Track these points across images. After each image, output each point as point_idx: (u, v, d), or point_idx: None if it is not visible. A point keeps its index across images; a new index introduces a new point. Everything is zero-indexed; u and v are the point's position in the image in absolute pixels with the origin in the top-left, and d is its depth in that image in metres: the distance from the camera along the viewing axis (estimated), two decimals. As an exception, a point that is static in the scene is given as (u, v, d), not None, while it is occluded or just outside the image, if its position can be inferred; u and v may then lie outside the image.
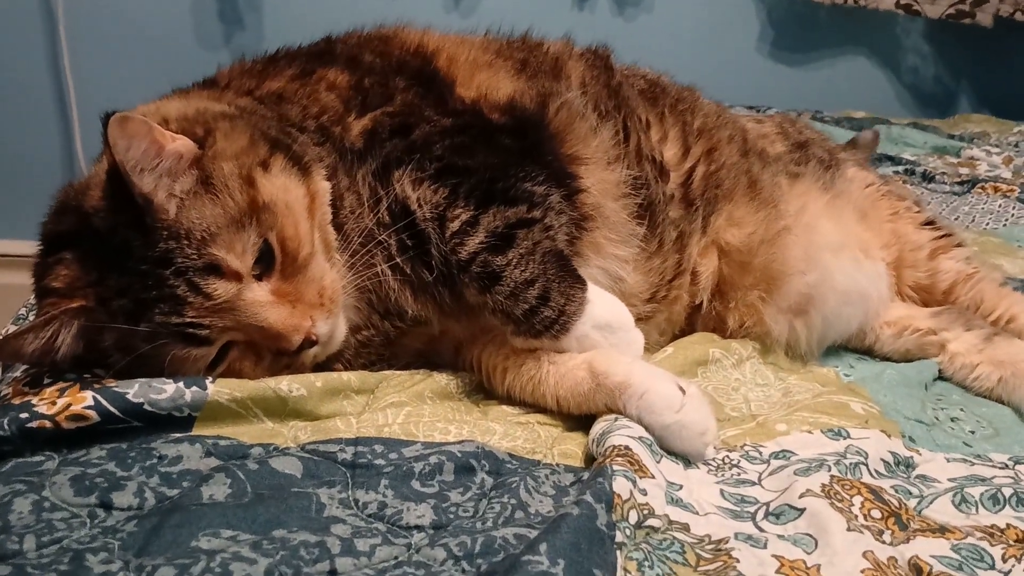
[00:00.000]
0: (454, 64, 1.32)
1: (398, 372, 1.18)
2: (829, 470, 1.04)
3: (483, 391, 1.20)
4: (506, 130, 1.22)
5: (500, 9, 3.22)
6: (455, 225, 1.12)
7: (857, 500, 0.98)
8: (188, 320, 1.01)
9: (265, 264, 1.05)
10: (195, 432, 1.00)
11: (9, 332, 1.13)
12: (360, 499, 0.93)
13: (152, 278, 1.00)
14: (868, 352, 1.45)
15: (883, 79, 3.56)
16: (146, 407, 0.98)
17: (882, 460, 1.09)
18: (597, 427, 1.06)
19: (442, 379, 1.18)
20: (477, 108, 1.26)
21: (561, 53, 1.49)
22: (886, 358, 1.43)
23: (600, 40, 3.40)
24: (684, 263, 1.35)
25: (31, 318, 1.24)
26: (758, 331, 1.37)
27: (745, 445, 1.12)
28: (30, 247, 1.13)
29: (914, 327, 1.42)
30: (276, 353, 1.08)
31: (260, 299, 1.04)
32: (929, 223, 1.56)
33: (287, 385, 1.06)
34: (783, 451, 1.11)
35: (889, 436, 1.14)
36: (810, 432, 1.13)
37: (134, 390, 0.99)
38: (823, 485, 0.99)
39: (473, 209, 1.12)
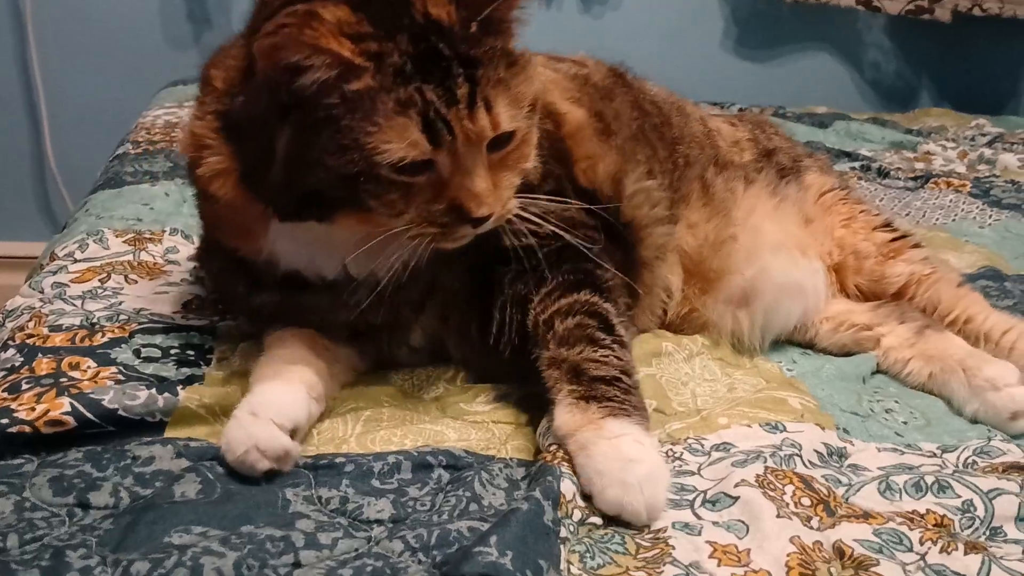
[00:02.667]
0: (574, 138, 1.36)
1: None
2: (765, 461, 1.11)
3: (440, 385, 1.27)
4: None
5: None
6: None
7: (789, 489, 1.05)
8: (443, 112, 1.02)
9: (503, 141, 1.09)
10: (167, 435, 1.07)
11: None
12: (323, 495, 1.00)
13: (448, 71, 1.03)
14: (810, 346, 1.51)
15: (845, 74, 3.63)
16: (120, 412, 1.05)
17: (815, 451, 1.16)
18: (544, 423, 1.13)
19: (398, 379, 1.26)
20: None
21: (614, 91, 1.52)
22: (826, 352, 1.50)
23: (567, 38, 3.46)
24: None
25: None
26: (701, 322, 1.44)
27: (688, 438, 1.19)
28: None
29: (850, 322, 1.49)
30: (455, 217, 1.08)
31: (483, 158, 1.07)
32: (885, 225, 1.62)
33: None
34: (723, 443, 1.18)
35: (823, 429, 1.22)
36: (749, 426, 1.21)
37: (109, 396, 1.05)
38: (757, 475, 1.06)
39: None
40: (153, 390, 1.08)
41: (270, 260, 1.19)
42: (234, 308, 1.35)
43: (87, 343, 1.24)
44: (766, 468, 1.08)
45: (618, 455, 1.02)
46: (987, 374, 1.32)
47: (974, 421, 1.32)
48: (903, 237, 1.60)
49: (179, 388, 1.09)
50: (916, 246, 1.60)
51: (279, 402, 1.07)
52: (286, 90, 1.01)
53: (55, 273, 1.47)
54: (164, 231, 1.65)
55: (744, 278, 1.44)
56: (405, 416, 1.17)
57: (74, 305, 1.37)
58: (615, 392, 1.08)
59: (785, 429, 1.20)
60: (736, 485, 1.04)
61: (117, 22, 3.10)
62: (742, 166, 1.59)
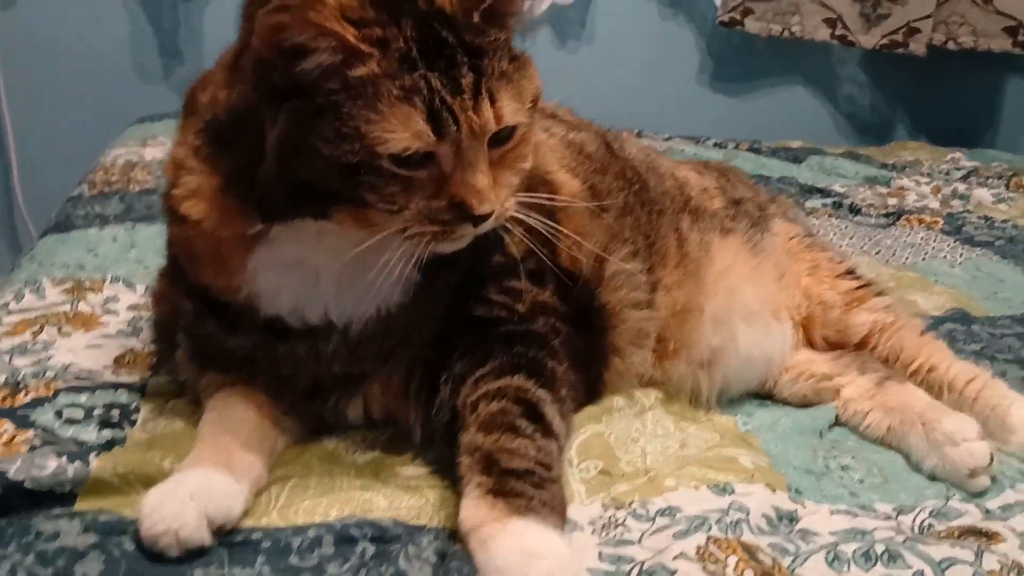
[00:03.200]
0: (565, 210, 1.30)
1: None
2: (709, 529, 1.06)
3: (377, 447, 1.22)
4: None
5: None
6: None
7: (732, 560, 1.00)
8: (448, 101, 0.98)
9: (503, 138, 1.05)
10: (77, 507, 1.01)
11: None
12: None
13: (453, 60, 0.99)
14: (769, 396, 1.47)
15: (821, 108, 3.61)
16: (26, 485, 0.99)
17: (764, 516, 1.12)
18: None
19: (331, 443, 1.21)
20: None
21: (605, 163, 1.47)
22: (786, 403, 1.45)
23: (542, 73, 3.43)
24: None
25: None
26: (661, 379, 1.40)
27: (633, 503, 1.14)
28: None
29: (810, 372, 1.45)
30: (455, 215, 1.03)
31: (485, 152, 1.03)
32: (849, 273, 1.58)
33: (170, 463, 1.07)
34: (669, 507, 1.13)
35: (774, 490, 1.17)
36: (696, 488, 1.16)
37: (15, 467, 1.00)
38: (699, 547, 1.01)
39: None
40: (64, 459, 1.02)
41: (249, 302, 1.13)
42: (196, 351, 1.25)
43: (8, 404, 1.20)
44: (708, 538, 1.03)
45: (521, 549, 0.95)
46: (946, 428, 1.28)
47: (932, 477, 1.27)
48: (866, 285, 1.56)
49: (92, 456, 1.04)
50: (880, 294, 1.56)
51: (221, 495, 1.01)
52: (283, 74, 0.97)
53: (-13, 326, 1.42)
54: (105, 280, 1.60)
55: (710, 346, 1.40)
56: (334, 483, 1.12)
57: (2, 361, 1.32)
58: (525, 487, 1.01)
59: (734, 491, 1.15)
60: (675, 558, 1.00)
61: (87, 54, 3.06)
62: (715, 213, 1.55)
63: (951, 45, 3.39)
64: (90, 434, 1.16)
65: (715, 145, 3.19)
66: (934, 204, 2.67)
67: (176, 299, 1.26)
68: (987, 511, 1.20)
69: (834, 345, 1.52)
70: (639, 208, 1.45)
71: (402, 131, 0.97)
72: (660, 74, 3.45)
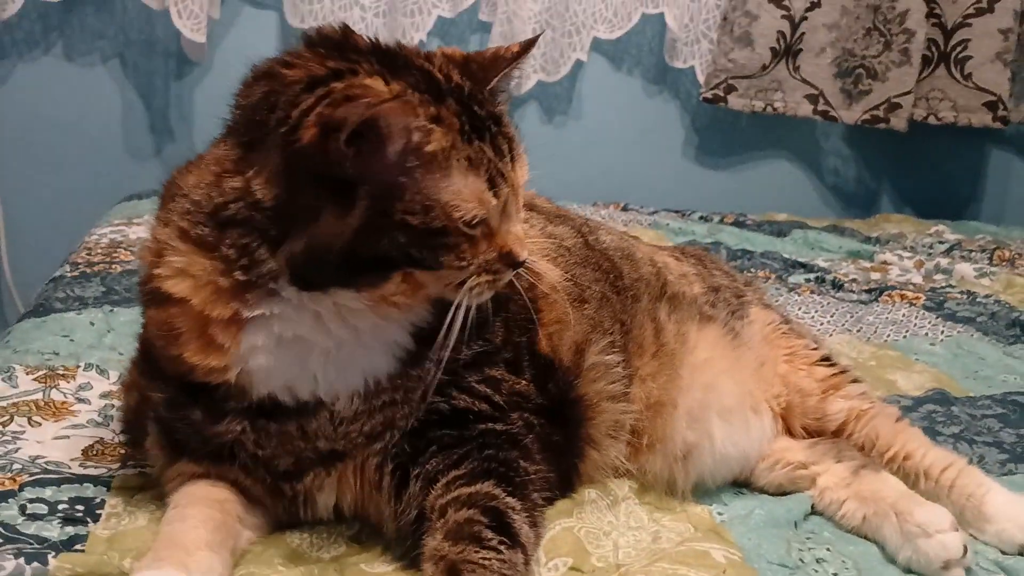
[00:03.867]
0: (547, 298, 1.36)
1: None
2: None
3: (343, 543, 1.20)
4: None
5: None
6: None
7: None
8: (499, 166, 1.10)
9: None
10: (33, 610, 1.00)
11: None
12: None
13: (488, 129, 1.10)
14: (746, 484, 1.46)
15: (806, 181, 3.65)
16: (-19, 589, 0.98)
17: (734, 613, 1.11)
18: None
19: (295, 539, 1.19)
20: None
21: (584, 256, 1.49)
22: (763, 491, 1.44)
23: (530, 148, 3.47)
24: None
25: None
26: (636, 472, 1.39)
27: (603, 600, 1.13)
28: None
29: (786, 460, 1.44)
30: (504, 263, 1.14)
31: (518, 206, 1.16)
32: (824, 360, 1.57)
33: (129, 562, 1.06)
34: (639, 605, 1.12)
35: (746, 585, 1.16)
36: (666, 585, 1.15)
37: (-30, 570, 0.99)
38: (665, 647, 1.00)
39: None
40: (22, 560, 1.01)
41: (240, 382, 1.13)
42: (189, 439, 1.22)
43: (-28, 499, 1.18)
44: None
45: None
46: (919, 519, 1.27)
47: (907, 570, 1.26)
48: (842, 372, 1.56)
49: (51, 556, 1.03)
50: (855, 381, 1.56)
51: None
52: (355, 163, 1.02)
53: (-43, 417, 1.41)
54: (79, 366, 1.60)
55: (685, 442, 1.38)
56: (296, 583, 1.11)
57: (-30, 453, 1.31)
58: None
59: (705, 587, 1.14)
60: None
61: (78, 131, 3.08)
62: (693, 299, 1.55)
63: (932, 120, 3.44)
64: (52, 531, 1.14)
65: (701, 218, 3.22)
66: (917, 279, 2.69)
67: (146, 388, 1.25)
68: (960, 605, 1.18)
69: (813, 433, 1.51)
70: (615, 297, 1.46)
71: (472, 199, 1.07)
72: (646, 149, 3.49)
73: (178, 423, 1.19)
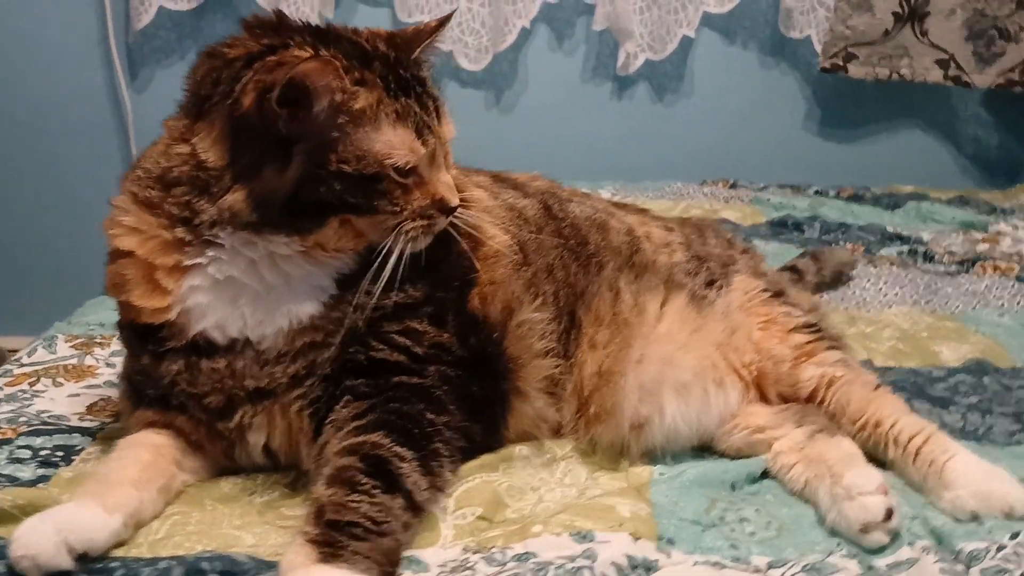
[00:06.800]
0: (487, 260, 1.44)
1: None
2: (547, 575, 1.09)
3: (278, 490, 1.30)
4: None
5: (540, 105, 3.35)
6: None
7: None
8: (425, 120, 1.26)
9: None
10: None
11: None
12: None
13: (413, 88, 1.27)
14: (709, 448, 1.45)
15: (941, 151, 3.46)
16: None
17: (613, 564, 1.11)
18: None
19: (229, 484, 1.30)
20: None
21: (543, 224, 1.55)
22: (724, 455, 1.43)
23: (640, 128, 3.46)
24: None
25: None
26: (587, 445, 1.41)
27: (494, 548, 1.16)
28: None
29: (744, 424, 1.41)
30: (436, 209, 1.28)
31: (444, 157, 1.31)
32: (806, 327, 1.53)
33: (68, 497, 1.19)
34: (526, 552, 1.14)
35: (637, 539, 1.17)
36: (558, 535, 1.17)
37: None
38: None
39: None
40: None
41: (179, 320, 1.26)
42: (143, 386, 1.34)
43: (-29, 443, 1.36)
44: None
45: None
46: (846, 481, 1.23)
47: (833, 533, 1.22)
48: (819, 340, 1.51)
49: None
50: (832, 348, 1.51)
51: (83, 527, 1.12)
52: (288, 123, 1.17)
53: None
54: (116, 336, 1.76)
55: (638, 414, 1.39)
56: (215, 520, 1.21)
57: (-11, 407, 1.49)
58: (342, 538, 1.06)
59: (593, 539, 1.16)
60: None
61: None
62: (667, 268, 1.55)
63: (1076, 80, 3.19)
64: (26, 472, 1.30)
65: (816, 192, 3.13)
66: (1026, 250, 2.52)
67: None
68: (870, 567, 1.15)
69: (788, 401, 1.48)
70: (574, 263, 1.49)
71: (402, 148, 1.22)
72: (763, 123, 3.40)
73: (135, 372, 1.33)
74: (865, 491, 1.21)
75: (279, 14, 1.31)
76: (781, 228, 2.70)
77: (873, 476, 1.24)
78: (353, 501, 1.11)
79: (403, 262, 1.25)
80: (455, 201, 1.30)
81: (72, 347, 1.73)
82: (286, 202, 1.20)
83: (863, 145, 3.45)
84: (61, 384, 1.58)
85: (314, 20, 3.02)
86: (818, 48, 3.27)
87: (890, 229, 2.70)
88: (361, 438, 1.19)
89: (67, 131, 3.24)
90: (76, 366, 1.66)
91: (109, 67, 3.18)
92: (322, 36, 1.26)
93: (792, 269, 2.12)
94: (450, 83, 3.28)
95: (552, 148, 3.33)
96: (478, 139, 3.22)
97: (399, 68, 1.27)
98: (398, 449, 1.18)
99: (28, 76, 3.13)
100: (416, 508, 1.17)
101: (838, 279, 2.23)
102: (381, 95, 1.22)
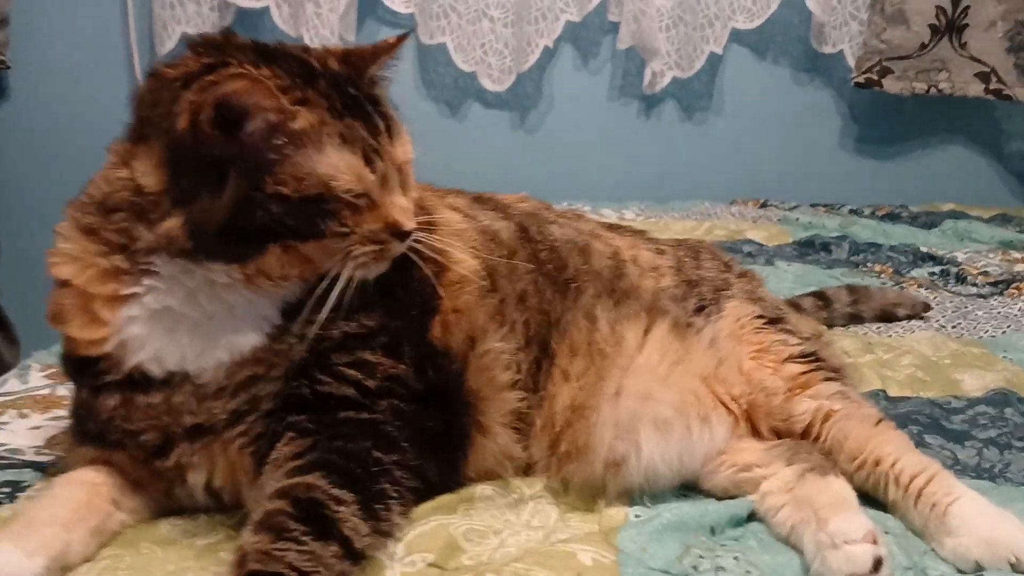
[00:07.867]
0: (452, 287, 1.36)
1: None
2: (488, 629, 0.99)
3: (222, 532, 1.22)
4: None
5: (566, 125, 3.27)
6: None
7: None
8: (373, 143, 1.17)
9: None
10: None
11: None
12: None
13: (364, 109, 1.19)
14: (695, 487, 1.35)
15: (985, 167, 3.32)
16: None
17: (563, 619, 1.03)
18: None
19: (168, 525, 1.22)
20: None
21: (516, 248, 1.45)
22: (708, 494, 1.33)
23: (668, 148, 3.37)
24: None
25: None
26: (559, 483, 1.32)
27: (438, 598, 1.08)
28: None
29: (731, 462, 1.31)
30: (390, 234, 1.19)
31: (398, 180, 1.22)
32: (801, 356, 1.42)
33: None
34: (471, 604, 1.06)
35: (595, 590, 1.07)
36: (509, 585, 1.08)
37: None
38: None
39: None
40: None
41: (115, 353, 1.19)
42: (84, 422, 1.27)
43: (-77, 477, 1.31)
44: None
45: None
46: (831, 527, 1.12)
47: (816, 584, 1.12)
48: (816, 370, 1.39)
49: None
50: (830, 379, 1.39)
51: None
52: (223, 144, 1.09)
53: (-35, 408, 1.56)
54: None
55: (614, 452, 1.29)
56: (147, 564, 1.13)
57: (-52, 439, 1.44)
58: None
59: (548, 590, 1.07)
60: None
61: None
62: (652, 294, 1.45)
63: (1125, 91, 3.03)
64: (-33, 511, 1.24)
65: (851, 212, 3.01)
66: (1070, 270, 2.38)
67: None
68: (852, 625, 1.04)
69: (781, 436, 1.37)
70: (550, 288, 1.40)
71: (348, 172, 1.14)
72: (797, 141, 3.30)
73: (78, 407, 1.26)
74: (851, 539, 1.11)
75: (227, 34, 1.23)
76: (808, 248, 2.59)
77: (861, 522, 1.13)
78: (278, 549, 1.02)
79: (348, 291, 1.17)
80: (410, 225, 1.20)
81: (46, 376, 1.68)
82: (223, 228, 1.12)
83: (902, 162, 3.32)
84: (26, 416, 1.53)
85: (333, 43, 3.04)
86: (851, 63, 3.16)
87: (924, 249, 2.58)
88: (296, 480, 1.11)
89: (93, 155, 3.23)
90: (46, 396, 1.60)
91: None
92: (266, 54, 1.18)
93: (819, 296, 2.01)
94: (474, 104, 3.23)
95: (578, 169, 3.26)
96: (503, 160, 3.22)
97: (348, 86, 1.19)
98: (336, 492, 1.10)
99: (54, 101, 3.12)
100: (355, 555, 1.08)
101: (887, 317, 2.07)
102: (324, 115, 1.14)
